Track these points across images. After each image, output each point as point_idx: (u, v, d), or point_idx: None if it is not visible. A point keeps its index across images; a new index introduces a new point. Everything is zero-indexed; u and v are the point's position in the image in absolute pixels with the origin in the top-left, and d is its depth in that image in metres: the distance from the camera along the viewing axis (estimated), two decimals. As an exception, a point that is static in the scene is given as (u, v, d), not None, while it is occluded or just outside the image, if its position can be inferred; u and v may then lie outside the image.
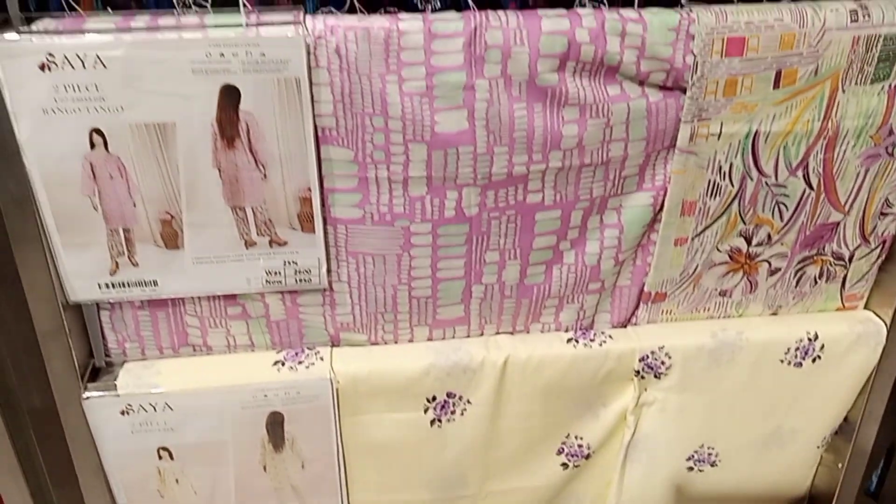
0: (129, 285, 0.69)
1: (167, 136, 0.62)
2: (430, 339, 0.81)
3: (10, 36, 0.57)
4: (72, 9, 0.61)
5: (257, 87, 0.61)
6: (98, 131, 0.61)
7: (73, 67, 0.58)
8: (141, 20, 0.60)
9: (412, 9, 0.65)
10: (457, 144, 0.67)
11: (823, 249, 0.81)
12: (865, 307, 0.88)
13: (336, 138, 0.66)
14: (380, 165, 0.68)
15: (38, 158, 0.61)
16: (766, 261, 0.80)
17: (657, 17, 0.64)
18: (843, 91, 0.70)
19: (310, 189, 0.67)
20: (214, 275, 0.70)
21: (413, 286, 0.76)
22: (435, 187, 0.70)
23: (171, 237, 0.67)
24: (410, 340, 0.81)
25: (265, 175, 0.66)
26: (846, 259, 0.82)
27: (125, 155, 0.62)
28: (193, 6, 0.63)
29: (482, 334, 0.82)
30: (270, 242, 0.69)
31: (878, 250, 0.82)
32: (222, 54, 0.59)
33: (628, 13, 0.64)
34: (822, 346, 0.83)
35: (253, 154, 0.64)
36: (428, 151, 0.67)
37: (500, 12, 0.64)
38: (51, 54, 0.57)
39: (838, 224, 0.79)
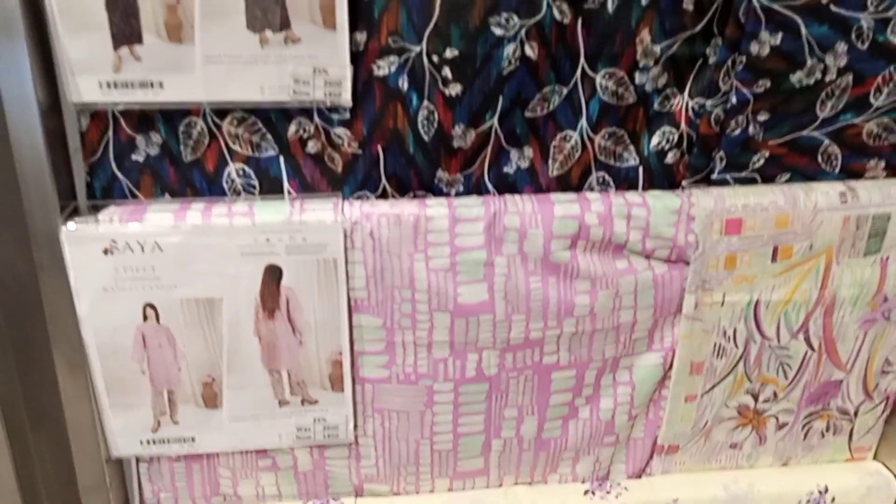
0: (168, 441, 0.74)
1: (214, 309, 0.68)
2: (450, 490, 0.84)
3: (79, 223, 0.64)
4: (134, 195, 0.69)
5: (299, 266, 0.67)
6: (151, 306, 0.67)
7: (132, 251, 0.65)
8: (196, 208, 0.67)
9: (438, 192, 0.72)
10: (478, 313, 0.72)
11: (829, 405, 0.84)
12: (875, 458, 0.90)
13: (367, 307, 0.72)
14: (406, 331, 0.73)
15: (94, 330, 0.67)
16: (774, 416, 0.84)
17: (660, 202, 0.71)
18: (838, 263, 0.75)
19: (341, 353, 0.72)
20: (249, 431, 0.74)
21: (435, 440, 0.80)
22: (457, 350, 0.75)
23: (210, 397, 0.72)
24: (431, 491, 0.84)
25: (301, 341, 0.71)
26: (851, 413, 0.85)
27: (175, 326, 0.68)
28: (243, 192, 0.70)
29: (501, 485, 0.85)
30: (302, 401, 0.74)
31: (882, 405, 0.86)
32: (268, 239, 0.66)
33: (633, 197, 0.71)
34: (833, 500, 0.85)
35: (291, 323, 0.70)
36: (451, 319, 0.72)
37: (517, 197, 0.71)
38: (114, 240, 0.64)
39: (841, 381, 0.83)
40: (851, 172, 0.75)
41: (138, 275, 0.66)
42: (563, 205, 0.70)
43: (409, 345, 0.74)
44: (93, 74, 0.62)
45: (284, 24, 0.62)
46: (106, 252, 0.65)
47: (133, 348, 0.68)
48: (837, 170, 0.75)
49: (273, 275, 0.68)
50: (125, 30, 0.61)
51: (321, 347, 0.72)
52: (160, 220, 0.65)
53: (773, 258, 0.74)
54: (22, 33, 0.59)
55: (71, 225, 0.64)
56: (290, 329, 0.70)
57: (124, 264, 0.65)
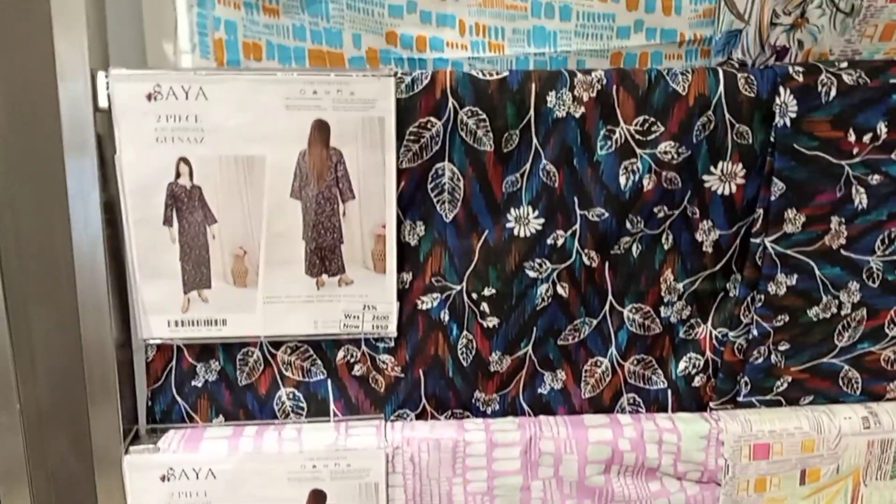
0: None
1: None
2: None
3: (140, 453, 0.69)
4: (191, 417, 0.73)
5: (342, 490, 0.70)
6: None
7: (188, 478, 0.68)
8: (248, 434, 0.71)
9: (475, 411, 0.76)
10: (514, 531, 0.74)
11: None
12: None
13: (405, 527, 0.74)
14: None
15: None
16: None
17: (690, 427, 0.74)
18: (866, 485, 0.77)
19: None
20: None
21: None
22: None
23: None
24: None
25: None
26: None
27: None
28: (292, 413, 0.74)
29: None
30: None
31: None
32: (314, 465, 0.69)
33: (663, 422, 0.74)
34: None
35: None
36: (487, 538, 0.74)
37: (552, 420, 0.74)
38: (171, 468, 0.68)
39: None
40: (873, 394, 0.78)
41: (192, 500, 0.69)
42: (597, 430, 0.73)
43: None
44: (163, 314, 0.68)
45: (340, 270, 0.69)
46: (163, 479, 0.68)
47: None
48: (859, 391, 0.78)
49: (318, 499, 0.71)
50: (196, 277, 0.68)
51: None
52: (215, 448, 0.70)
53: (802, 481, 0.76)
54: (104, 281, 0.67)
55: (132, 454, 0.69)
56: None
57: (180, 489, 0.69)
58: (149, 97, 0.62)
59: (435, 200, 0.70)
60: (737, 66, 0.70)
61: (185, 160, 0.64)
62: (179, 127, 0.63)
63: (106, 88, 0.62)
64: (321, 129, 0.65)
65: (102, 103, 0.62)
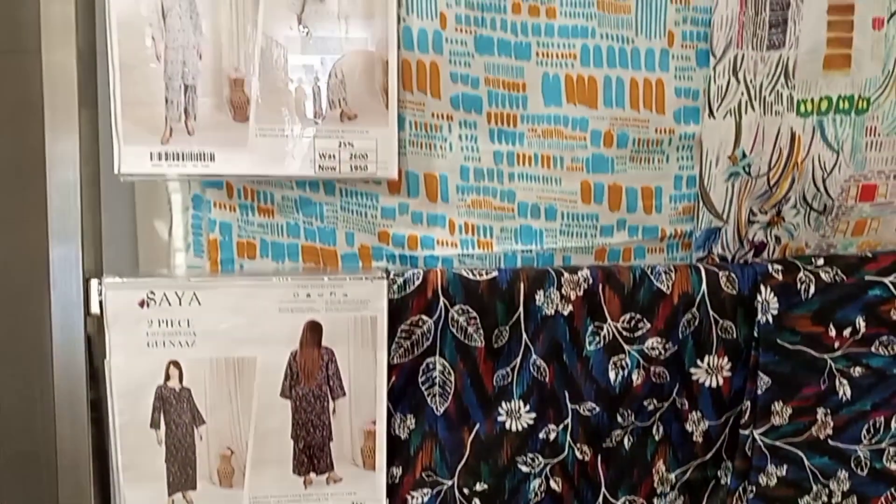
0: None
1: None
2: None
3: None
4: None
5: None
6: None
7: None
8: None
9: None
10: None
11: None
12: None
13: None
14: None
15: None
16: None
17: None
18: None
19: None
20: None
21: None
22: None
23: None
24: None
25: None
26: None
27: None
28: None
29: None
30: None
31: None
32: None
33: None
34: None
35: None
36: None
37: None
38: None
39: None
40: (869, 581, 0.77)
41: None
42: None
43: None
44: (145, 514, 0.66)
45: (328, 468, 0.68)
46: None
47: None
48: (855, 578, 0.77)
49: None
50: (181, 478, 0.66)
51: None
52: None
53: None
54: (88, 482, 0.65)
55: None
56: None
57: None
58: (142, 304, 0.63)
59: (426, 394, 0.69)
60: (717, 260, 0.73)
61: (175, 363, 0.64)
62: (171, 332, 0.63)
63: (98, 295, 0.62)
64: (314, 330, 0.65)
65: (94, 309, 0.63)
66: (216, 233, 0.69)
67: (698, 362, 0.70)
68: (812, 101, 0.70)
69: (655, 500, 0.73)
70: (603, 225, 0.71)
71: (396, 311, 0.67)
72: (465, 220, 0.70)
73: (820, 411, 0.71)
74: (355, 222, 0.70)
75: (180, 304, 0.63)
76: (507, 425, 0.70)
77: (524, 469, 0.70)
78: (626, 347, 0.69)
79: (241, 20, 0.63)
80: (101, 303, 0.62)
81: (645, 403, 0.70)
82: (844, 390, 0.72)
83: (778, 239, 0.74)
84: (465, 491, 0.70)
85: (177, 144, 0.63)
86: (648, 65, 0.68)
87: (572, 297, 0.68)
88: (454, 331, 0.68)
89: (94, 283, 0.63)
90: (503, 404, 0.70)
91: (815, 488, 0.72)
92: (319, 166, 0.65)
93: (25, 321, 0.66)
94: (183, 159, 0.64)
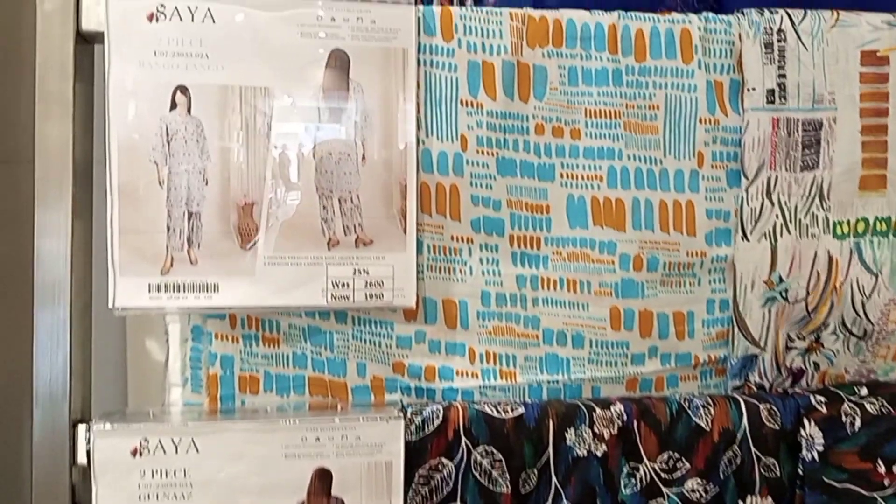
0: None
1: None
2: None
3: None
4: None
5: None
6: None
7: None
8: None
9: None
10: None
11: None
12: None
13: None
14: None
15: None
16: None
17: None
18: None
19: None
20: None
21: None
22: None
23: None
24: None
25: None
26: None
27: None
28: None
29: None
30: None
31: None
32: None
33: None
34: None
35: None
36: None
37: None
38: None
39: None
40: None
41: None
42: None
43: None
44: None
45: None
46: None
47: None
48: None
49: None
50: None
51: None
52: None
53: None
54: None
55: None
56: None
57: None
58: (134, 452, 0.56)
59: (445, 543, 0.63)
60: (755, 389, 0.68)
61: (168, 518, 0.58)
62: (166, 483, 0.57)
63: (87, 443, 0.56)
64: (323, 479, 0.59)
65: (81, 459, 0.57)
66: (217, 367, 0.63)
67: (741, 503, 0.65)
68: (848, 222, 0.67)
69: None
70: (634, 353, 0.66)
71: (414, 454, 0.61)
72: (486, 349, 0.65)
73: (873, 555, 0.66)
74: (368, 352, 0.65)
75: (176, 452, 0.57)
76: (536, 578, 0.64)
77: None
78: (665, 490, 0.63)
79: (253, 143, 0.60)
80: (88, 452, 0.56)
81: (685, 551, 0.65)
82: (898, 532, 0.66)
83: (816, 365, 0.69)
84: None
85: (178, 275, 0.59)
86: (678, 186, 0.65)
87: (606, 436, 0.62)
88: (477, 475, 0.62)
89: (81, 428, 0.57)
90: (531, 554, 0.64)
91: None
92: (332, 295, 0.61)
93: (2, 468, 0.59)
94: (184, 291, 0.59)
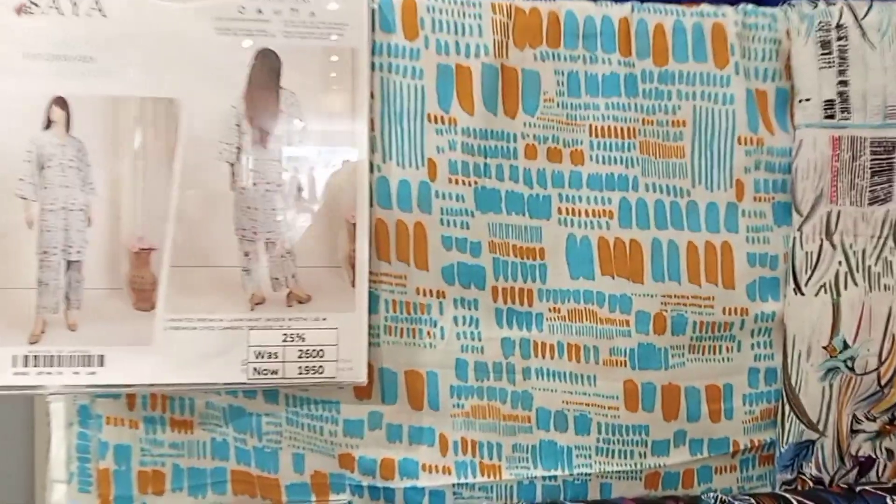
0: None
1: None
2: None
3: None
4: None
5: None
6: None
7: None
8: None
9: None
10: None
11: None
12: None
13: None
14: None
15: None
16: None
17: None
18: None
19: None
20: None
21: None
22: None
23: None
24: None
25: None
26: None
27: None
28: None
29: None
30: None
31: None
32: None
33: None
34: None
35: None
36: None
37: None
38: None
39: None
40: None
41: None
42: None
43: None
44: None
45: None
46: None
47: None
48: None
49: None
50: None
51: None
52: None
53: None
54: None
55: None
56: None
57: None
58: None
59: None
60: (811, 484, 0.53)
61: None
62: None
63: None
64: None
65: None
66: (109, 460, 0.49)
67: None
68: (933, 270, 0.53)
69: None
70: (655, 440, 0.51)
71: (364, 580, 0.47)
72: (462, 436, 0.50)
73: None
74: (307, 440, 0.50)
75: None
76: None
77: None
78: None
79: (152, 171, 0.46)
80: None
81: None
82: None
83: (891, 454, 0.54)
84: None
85: (52, 343, 0.44)
86: (711, 224, 0.50)
87: (618, 554, 0.48)
88: None
89: None
90: None
91: None
92: (255, 370, 0.46)
93: None
94: (59, 364, 0.44)
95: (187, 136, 0.46)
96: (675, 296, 0.50)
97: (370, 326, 0.49)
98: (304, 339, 0.46)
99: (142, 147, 0.45)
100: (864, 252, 0.51)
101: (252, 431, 0.49)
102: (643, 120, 0.50)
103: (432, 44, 0.48)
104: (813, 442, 0.53)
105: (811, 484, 0.53)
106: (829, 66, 0.51)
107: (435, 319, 0.50)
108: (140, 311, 0.45)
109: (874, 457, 0.54)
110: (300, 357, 0.46)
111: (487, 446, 0.51)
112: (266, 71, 0.46)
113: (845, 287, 0.51)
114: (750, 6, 0.52)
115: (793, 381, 0.52)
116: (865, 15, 0.51)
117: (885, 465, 0.54)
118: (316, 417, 0.49)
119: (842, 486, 0.54)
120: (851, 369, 0.52)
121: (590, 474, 0.51)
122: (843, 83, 0.51)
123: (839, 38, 0.51)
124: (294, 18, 0.46)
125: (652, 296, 0.50)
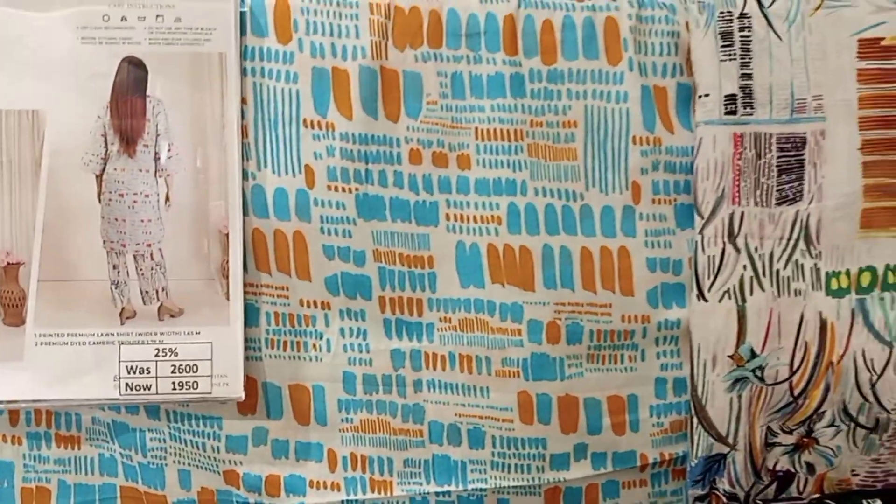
0: None
1: None
2: None
3: None
4: None
5: None
6: None
7: None
8: None
9: None
10: None
11: None
12: None
13: None
14: None
15: None
16: None
17: None
18: None
19: None
20: None
21: None
22: None
23: None
24: None
25: None
26: None
27: None
28: None
29: None
30: None
31: None
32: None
33: None
34: None
35: None
36: None
37: None
38: None
39: None
40: None
41: None
42: None
43: None
44: None
45: None
46: None
47: None
48: None
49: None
50: None
51: None
52: None
53: None
54: None
55: None
56: None
57: None
58: None
59: None
60: (724, 499, 0.51)
61: None
62: None
63: None
64: None
65: None
66: (-10, 475, 0.49)
67: None
68: (848, 274, 0.49)
69: None
70: (553, 454, 0.49)
71: None
72: (351, 451, 0.49)
73: None
74: (191, 456, 0.49)
75: None
76: None
77: None
78: None
79: (17, 184, 0.45)
80: None
81: None
82: None
83: (811, 467, 0.51)
84: None
85: (-83, 360, 0.45)
86: (606, 229, 0.48)
87: (508, 577, 0.46)
88: None
89: None
90: None
91: None
92: (127, 385, 0.46)
93: None
94: (-75, 381, 0.45)
95: (53, 147, 0.45)
96: (568, 303, 0.48)
97: (251, 340, 0.47)
98: (176, 354, 0.45)
99: (7, 159, 0.45)
100: (771, 255, 0.48)
101: (136, 447, 0.48)
102: (531, 121, 0.48)
103: (307, 47, 0.47)
104: (724, 456, 0.50)
105: (724, 500, 0.51)
106: (731, 59, 0.48)
107: (320, 331, 0.49)
108: (10, 326, 0.45)
109: (793, 471, 0.51)
110: (173, 372, 0.45)
111: (378, 461, 0.49)
112: (131, 79, 0.45)
113: (751, 292, 0.48)
114: (647, -3, 0.49)
115: (699, 392, 0.49)
116: (772, 3, 0.48)
117: (806, 481, 0.51)
118: (198, 433, 0.48)
119: (758, 502, 0.51)
120: (761, 379, 0.49)
121: (485, 490, 0.49)
122: (747, 76, 0.48)
123: (742, 29, 0.48)
124: (159, 25, 0.45)
125: (544, 304, 0.48)
